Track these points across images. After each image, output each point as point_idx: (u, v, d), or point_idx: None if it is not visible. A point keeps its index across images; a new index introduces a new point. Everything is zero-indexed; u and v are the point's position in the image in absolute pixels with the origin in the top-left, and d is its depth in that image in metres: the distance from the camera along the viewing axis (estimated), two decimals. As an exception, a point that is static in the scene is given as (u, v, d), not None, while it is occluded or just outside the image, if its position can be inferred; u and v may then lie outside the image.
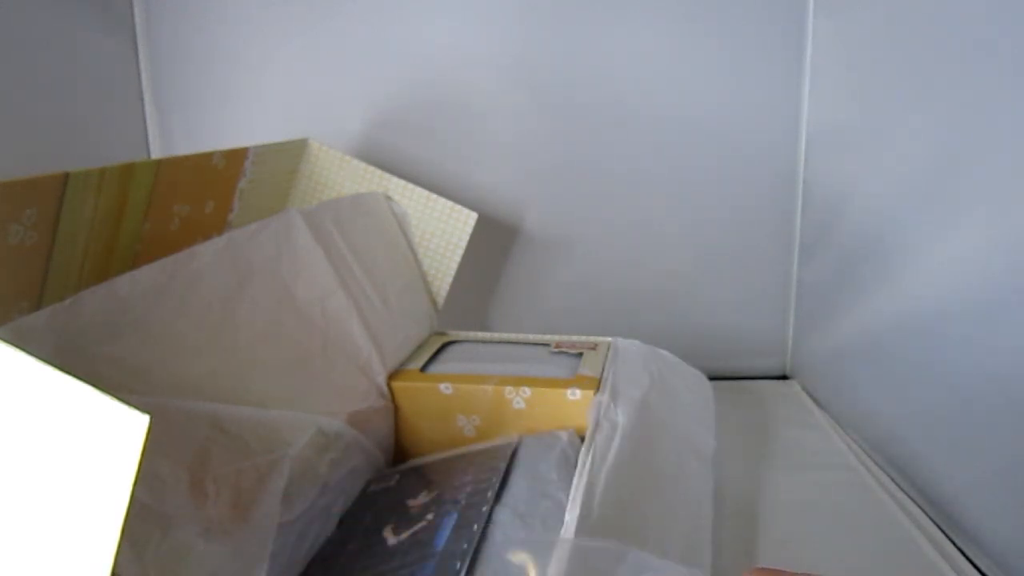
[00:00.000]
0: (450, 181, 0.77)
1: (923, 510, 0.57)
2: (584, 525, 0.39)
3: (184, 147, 0.82)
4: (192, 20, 0.79)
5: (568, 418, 0.55)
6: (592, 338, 0.66)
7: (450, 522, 0.43)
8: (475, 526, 0.42)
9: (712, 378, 0.67)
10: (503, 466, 0.49)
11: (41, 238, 0.42)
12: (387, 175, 0.70)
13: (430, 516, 0.45)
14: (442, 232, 0.70)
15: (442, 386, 0.57)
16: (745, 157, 0.79)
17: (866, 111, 0.67)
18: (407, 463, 0.56)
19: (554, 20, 0.77)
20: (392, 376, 0.58)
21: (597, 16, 0.76)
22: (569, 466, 0.48)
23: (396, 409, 0.58)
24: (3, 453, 0.26)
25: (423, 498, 0.48)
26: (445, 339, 0.68)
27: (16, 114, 0.66)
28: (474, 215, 0.69)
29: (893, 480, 0.61)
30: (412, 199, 0.70)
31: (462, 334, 0.70)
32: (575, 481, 0.43)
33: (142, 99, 0.82)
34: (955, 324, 0.53)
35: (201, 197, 0.58)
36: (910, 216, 0.59)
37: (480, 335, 0.70)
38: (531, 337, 0.68)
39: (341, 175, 0.71)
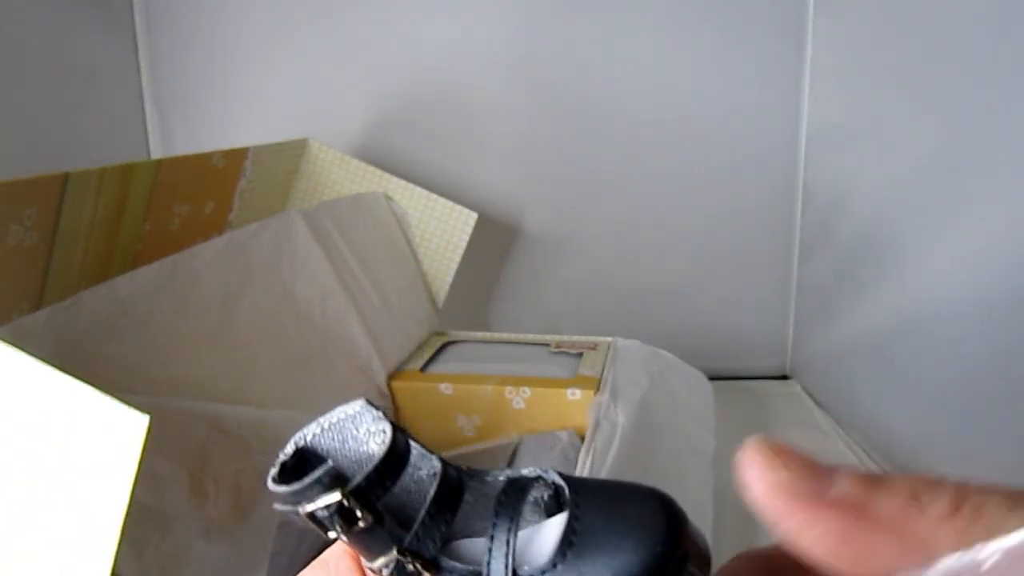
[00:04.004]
0: (450, 181, 0.77)
1: (923, 510, 0.57)
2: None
3: (184, 147, 0.82)
4: (192, 20, 0.79)
5: (568, 418, 0.55)
6: (592, 338, 0.66)
7: (450, 522, 0.43)
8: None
9: (712, 378, 0.67)
10: (503, 466, 0.49)
11: (41, 238, 0.42)
12: (387, 175, 0.70)
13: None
14: (442, 232, 0.70)
15: (442, 386, 0.57)
16: (745, 157, 0.79)
17: (866, 111, 0.67)
18: (407, 463, 0.56)
19: (554, 20, 0.77)
20: (392, 376, 0.58)
21: (597, 16, 0.76)
22: (569, 466, 0.48)
23: (396, 409, 0.58)
24: (3, 453, 0.26)
25: (423, 498, 0.48)
26: (445, 339, 0.68)
27: (16, 114, 0.66)
28: (474, 215, 0.69)
29: (893, 480, 0.61)
30: (412, 199, 0.70)
31: (462, 334, 0.70)
32: (575, 481, 0.43)
33: (142, 99, 0.82)
34: (955, 324, 0.53)
35: (201, 197, 0.58)
36: (910, 216, 0.59)
37: (480, 335, 0.70)
38: (531, 337, 0.68)
39: (341, 175, 0.71)
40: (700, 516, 0.49)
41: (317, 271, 0.54)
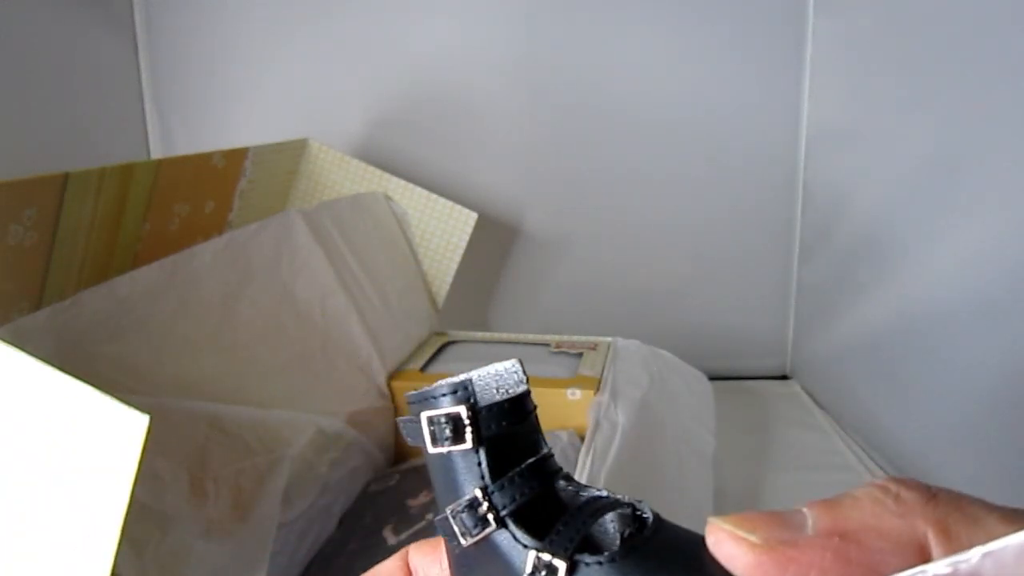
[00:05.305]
0: (450, 181, 0.77)
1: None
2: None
3: (184, 147, 0.82)
4: (192, 20, 0.79)
5: (568, 418, 0.55)
6: (592, 338, 0.66)
7: (450, 522, 0.43)
8: (475, 526, 0.42)
9: (712, 378, 0.67)
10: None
11: (41, 238, 0.42)
12: (387, 175, 0.70)
13: (430, 516, 0.45)
14: (442, 232, 0.70)
15: (442, 386, 0.57)
16: (745, 157, 0.79)
17: (866, 111, 0.67)
18: (407, 463, 0.56)
19: (554, 21, 0.77)
20: (392, 376, 0.58)
21: (597, 17, 0.76)
22: (569, 466, 0.48)
23: (396, 409, 0.58)
24: (3, 453, 0.26)
25: (423, 498, 0.48)
26: (445, 339, 0.68)
27: (16, 114, 0.66)
28: (474, 215, 0.69)
29: (893, 480, 0.61)
30: (412, 199, 0.70)
31: (462, 334, 0.70)
32: (575, 481, 0.43)
33: (142, 99, 0.82)
34: (954, 324, 0.53)
35: (201, 197, 0.58)
36: (910, 216, 0.59)
37: (480, 335, 0.70)
38: (531, 337, 0.68)
39: (341, 175, 0.71)
40: (700, 516, 0.49)
41: (317, 271, 0.54)
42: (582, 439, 0.51)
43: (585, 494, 0.21)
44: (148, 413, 0.24)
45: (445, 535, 0.20)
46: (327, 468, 0.47)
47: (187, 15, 0.79)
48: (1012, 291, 0.47)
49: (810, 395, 0.79)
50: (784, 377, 0.86)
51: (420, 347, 0.65)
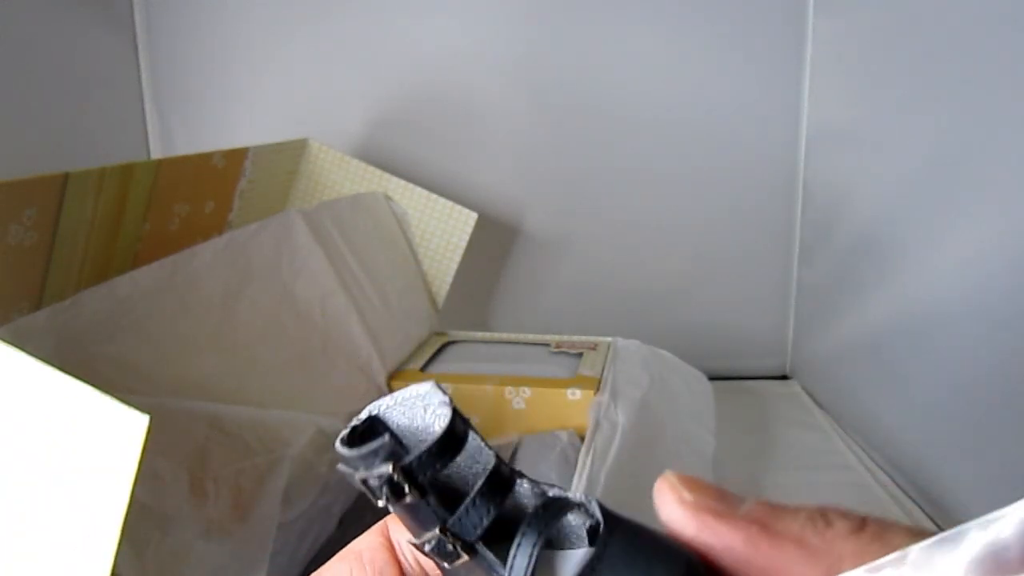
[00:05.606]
0: (450, 181, 0.77)
1: (923, 510, 0.57)
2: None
3: (184, 147, 0.82)
4: (192, 20, 0.79)
5: (568, 418, 0.55)
6: (592, 338, 0.66)
7: (450, 522, 0.43)
8: (475, 526, 0.42)
9: (712, 378, 0.67)
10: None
11: (41, 238, 0.42)
12: (387, 175, 0.70)
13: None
14: (442, 232, 0.70)
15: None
16: (745, 157, 0.79)
17: (866, 111, 0.67)
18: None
19: (554, 21, 0.77)
20: (392, 376, 0.59)
21: (597, 17, 0.76)
22: (569, 466, 0.48)
23: (396, 409, 0.58)
24: (3, 453, 0.26)
25: (423, 498, 0.48)
26: (445, 339, 0.68)
27: (16, 114, 0.66)
28: (474, 215, 0.69)
29: (893, 480, 0.61)
30: (412, 199, 0.70)
31: (462, 334, 0.70)
32: (575, 481, 0.43)
33: (142, 99, 0.82)
34: (955, 324, 0.53)
35: (201, 197, 0.58)
36: (910, 216, 0.59)
37: (480, 335, 0.70)
38: (531, 337, 0.68)
39: (341, 175, 0.71)
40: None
41: (317, 271, 0.54)
42: (582, 439, 0.51)
43: (538, 498, 0.20)
44: (148, 413, 0.24)
45: (429, 558, 0.20)
46: (327, 468, 0.47)
47: (187, 15, 0.79)
48: (1012, 291, 0.47)
49: (810, 395, 0.79)
50: (784, 377, 0.86)
51: (420, 347, 0.65)
